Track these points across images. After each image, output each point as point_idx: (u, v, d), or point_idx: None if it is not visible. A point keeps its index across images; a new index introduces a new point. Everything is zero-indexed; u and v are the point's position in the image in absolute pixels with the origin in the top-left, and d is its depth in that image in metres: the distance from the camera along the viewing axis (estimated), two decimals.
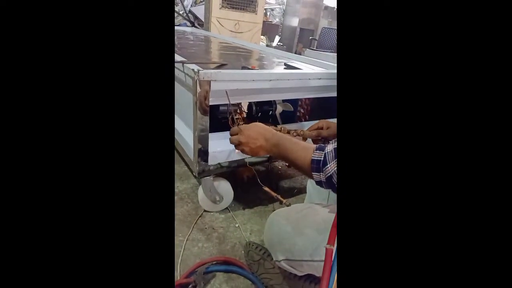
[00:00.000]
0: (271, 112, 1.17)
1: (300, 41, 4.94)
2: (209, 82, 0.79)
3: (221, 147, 0.93)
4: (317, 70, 1.09)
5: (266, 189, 0.75)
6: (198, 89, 0.78)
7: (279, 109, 1.19)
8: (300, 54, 1.82)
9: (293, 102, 1.17)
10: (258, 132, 0.65)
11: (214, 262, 0.81)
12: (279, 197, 0.74)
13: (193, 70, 0.77)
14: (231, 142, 0.68)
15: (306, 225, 0.60)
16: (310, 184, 0.97)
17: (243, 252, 0.86)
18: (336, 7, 4.55)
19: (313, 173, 0.51)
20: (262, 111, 1.14)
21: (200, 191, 0.99)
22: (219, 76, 0.80)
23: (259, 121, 1.15)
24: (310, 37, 4.44)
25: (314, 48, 4.33)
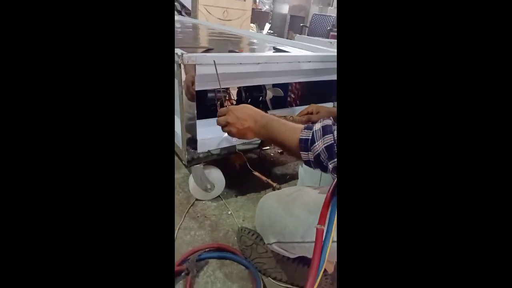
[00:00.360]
0: (261, 98, 1.15)
1: (291, 28, 4.87)
2: (194, 66, 0.76)
3: (210, 134, 0.91)
4: (307, 53, 1.07)
5: (257, 173, 0.74)
6: (183, 74, 0.75)
7: (269, 94, 1.17)
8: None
9: (284, 87, 1.15)
10: (247, 113, 0.63)
11: (206, 249, 0.81)
12: (269, 181, 0.73)
13: (176, 54, 0.74)
14: (219, 123, 0.66)
15: (297, 207, 0.60)
16: (302, 170, 0.96)
17: (235, 238, 0.86)
18: None
19: (301, 152, 0.50)
20: (252, 97, 1.12)
21: (191, 180, 0.98)
22: (205, 59, 0.77)
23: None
24: (301, 24, 4.38)
25: (306, 35, 4.29)
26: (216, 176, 1.01)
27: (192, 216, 0.95)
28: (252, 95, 1.11)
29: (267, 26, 4.52)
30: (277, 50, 1.10)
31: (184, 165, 1.06)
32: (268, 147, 1.23)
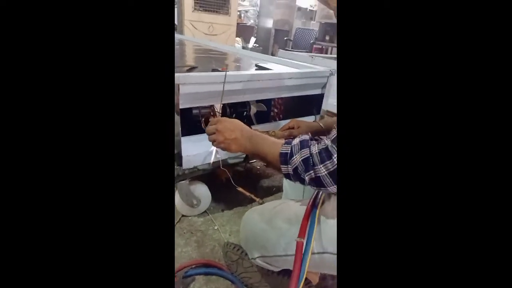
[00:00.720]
0: (245, 112, 1.18)
1: (276, 41, 5.00)
2: (177, 86, 0.79)
3: (195, 150, 0.93)
4: (288, 70, 1.11)
5: (240, 189, 0.76)
6: None
7: (253, 109, 1.20)
8: (274, 55, 1.85)
9: (267, 102, 1.18)
10: (236, 124, 0.66)
11: (193, 266, 0.81)
12: (252, 196, 0.75)
13: None
14: (208, 131, 0.67)
15: (279, 220, 0.62)
16: (286, 182, 0.99)
17: (221, 253, 0.86)
18: (308, 8, 4.65)
19: (281, 165, 0.54)
20: (236, 113, 1.15)
21: (176, 195, 0.99)
22: (188, 79, 0.80)
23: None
24: (285, 38, 4.51)
25: (289, 49, 4.40)
26: (202, 191, 1.02)
27: (178, 233, 0.95)
28: (236, 110, 1.14)
29: (253, 39, 4.63)
30: (259, 67, 1.14)
31: None
32: (254, 161, 1.25)
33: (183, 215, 1.02)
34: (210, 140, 0.68)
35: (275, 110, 1.19)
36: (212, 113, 1.04)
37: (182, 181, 0.94)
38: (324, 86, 1.17)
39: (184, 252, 0.87)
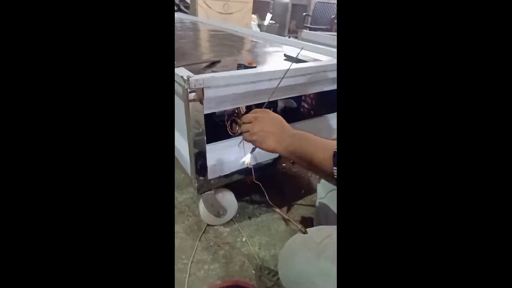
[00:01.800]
0: (271, 109, 1.06)
1: (293, 17, 4.70)
2: (201, 90, 0.68)
3: (221, 159, 0.83)
4: (320, 62, 0.97)
5: (278, 210, 0.66)
6: (191, 100, 0.67)
7: (281, 106, 1.08)
8: (294, 32, 1.68)
9: (296, 97, 1.06)
10: (278, 118, 0.61)
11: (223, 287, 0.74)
12: (292, 221, 0.66)
13: (182, 77, 0.65)
14: (243, 130, 0.63)
15: (325, 259, 0.52)
16: (320, 186, 0.89)
17: (253, 272, 0.79)
18: None
19: (334, 167, 0.48)
20: (239, 111, 1.03)
21: (201, 205, 0.91)
22: (213, 81, 0.68)
23: (239, 121, 1.05)
24: (304, 13, 4.21)
25: (308, 25, 4.12)
26: (228, 199, 0.93)
27: (204, 246, 0.88)
28: (261, 107, 1.02)
29: (269, 16, 4.36)
30: (288, 57, 1.00)
31: None
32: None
33: (208, 225, 0.95)
34: (243, 131, 0.62)
35: (306, 106, 1.07)
36: (237, 114, 0.93)
37: (208, 192, 0.85)
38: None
39: (212, 269, 0.80)
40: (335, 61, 0.94)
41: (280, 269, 0.61)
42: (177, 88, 0.71)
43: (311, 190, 1.16)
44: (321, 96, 1.14)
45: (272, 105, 1.03)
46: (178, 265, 0.81)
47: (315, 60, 0.96)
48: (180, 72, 0.67)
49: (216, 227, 0.95)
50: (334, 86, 0.96)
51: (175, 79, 0.70)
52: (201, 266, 0.81)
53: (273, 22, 4.35)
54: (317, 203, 0.89)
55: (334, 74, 0.92)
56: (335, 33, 2.65)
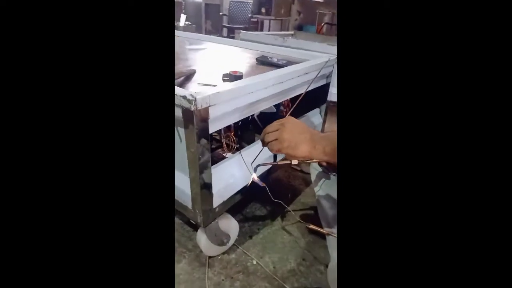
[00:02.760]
0: (250, 116, 1.00)
1: (208, 17, 4.61)
2: (207, 109, 0.58)
3: (223, 181, 0.74)
4: (309, 62, 0.95)
5: (313, 227, 0.62)
6: (195, 121, 0.56)
7: (257, 112, 1.03)
8: (211, 33, 1.62)
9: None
10: (303, 125, 0.60)
11: None
12: (320, 229, 0.63)
13: (184, 97, 0.54)
14: (268, 139, 0.60)
15: None
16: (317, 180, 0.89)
17: None
18: None
19: None
20: (229, 126, 0.96)
21: (202, 237, 0.79)
22: (219, 98, 0.59)
23: (239, 130, 0.98)
24: (221, 13, 4.17)
25: (226, 24, 4.10)
26: (230, 224, 0.84)
27: (216, 282, 0.77)
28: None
29: (183, 17, 4.15)
30: (261, 62, 0.95)
31: (191, 224, 0.85)
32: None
33: (209, 257, 0.84)
34: (268, 140, 0.60)
35: (284, 110, 1.04)
36: (230, 130, 0.85)
37: (212, 223, 0.74)
38: (329, 75, 1.06)
39: None
40: (323, 59, 0.94)
41: (333, 283, 0.57)
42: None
43: (296, 191, 1.15)
44: (296, 98, 1.13)
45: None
46: None
47: (289, 62, 0.93)
48: (180, 92, 0.56)
49: (219, 257, 0.85)
50: (313, 86, 0.96)
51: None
52: None
53: (189, 23, 4.18)
54: (316, 196, 0.89)
55: (314, 75, 0.91)
56: (274, 32, 2.69)
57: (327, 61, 0.94)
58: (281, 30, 3.89)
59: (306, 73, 0.87)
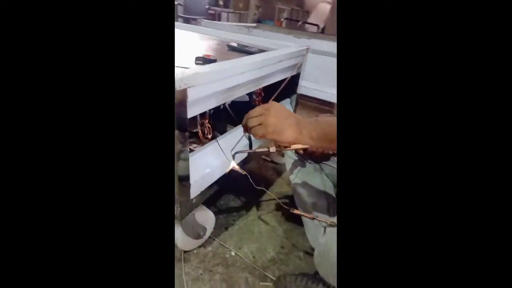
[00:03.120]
0: (222, 105, 0.97)
1: None
2: (185, 91, 0.53)
3: (201, 170, 0.69)
4: (288, 49, 0.93)
5: (297, 212, 0.61)
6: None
7: (228, 101, 0.99)
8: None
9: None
10: (288, 111, 0.58)
11: None
12: (318, 218, 0.63)
13: None
14: (250, 124, 0.57)
15: None
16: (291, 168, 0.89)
17: (277, 286, 0.72)
18: None
19: None
20: (204, 113, 0.92)
21: (177, 232, 0.74)
22: (198, 79, 0.55)
23: (211, 119, 0.94)
24: (176, 3, 3.98)
25: (182, 14, 3.94)
26: (206, 216, 0.80)
27: (194, 277, 0.73)
28: None
29: None
30: (232, 48, 0.92)
31: None
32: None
33: (185, 252, 0.79)
34: (252, 125, 0.57)
35: (256, 99, 1.02)
36: (205, 117, 0.80)
37: (189, 214, 0.70)
38: (300, 66, 1.07)
39: None
40: (297, 48, 0.94)
41: (322, 268, 0.58)
42: None
43: (269, 182, 1.15)
44: (266, 88, 1.12)
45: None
46: None
47: (260, 50, 0.92)
48: None
49: (195, 251, 0.80)
50: (283, 76, 0.96)
51: None
52: None
53: None
54: (292, 184, 0.88)
55: (287, 64, 0.91)
56: (238, 23, 2.63)
57: (300, 50, 0.95)
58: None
59: (281, 61, 0.86)
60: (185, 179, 0.63)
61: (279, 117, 0.56)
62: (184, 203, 0.65)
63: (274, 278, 0.74)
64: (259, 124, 0.57)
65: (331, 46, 1.49)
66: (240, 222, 0.93)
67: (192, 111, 0.59)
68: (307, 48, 1.03)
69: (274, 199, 1.05)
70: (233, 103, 1.02)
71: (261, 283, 0.73)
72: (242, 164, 0.86)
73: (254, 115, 0.58)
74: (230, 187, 1.06)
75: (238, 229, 0.90)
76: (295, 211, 0.62)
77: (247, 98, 0.98)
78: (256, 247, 0.84)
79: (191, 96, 0.55)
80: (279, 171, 1.23)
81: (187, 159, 0.61)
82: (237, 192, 1.05)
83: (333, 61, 1.30)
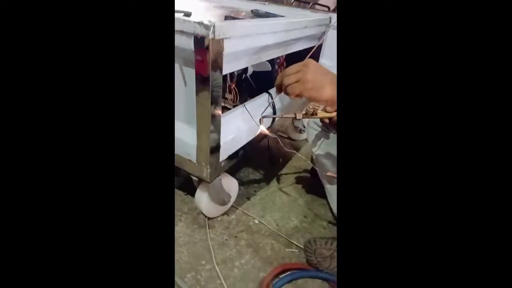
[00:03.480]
0: (244, 75, 0.95)
1: None
2: (222, 42, 0.51)
3: (230, 133, 0.68)
4: (311, 17, 0.91)
5: (330, 173, 0.60)
6: (210, 53, 0.50)
7: (250, 70, 0.97)
8: None
9: (270, 60, 0.97)
10: (325, 69, 0.56)
11: (272, 279, 0.64)
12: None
13: (201, 24, 0.47)
14: (287, 82, 0.54)
15: None
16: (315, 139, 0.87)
17: (306, 251, 0.71)
18: None
19: None
20: (232, 76, 0.90)
21: (202, 197, 0.73)
22: (236, 29, 0.53)
23: (234, 88, 0.92)
24: None
25: None
26: (230, 183, 0.79)
27: (219, 242, 0.73)
28: (233, 72, 0.89)
29: None
30: (258, 13, 0.89)
31: (185, 189, 0.78)
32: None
33: (209, 219, 0.79)
34: (288, 83, 0.54)
35: (277, 69, 1.00)
36: (232, 81, 0.78)
37: (216, 178, 0.69)
38: (322, 37, 1.04)
39: (245, 264, 0.68)
40: (320, 16, 0.91)
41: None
42: (181, 42, 0.51)
43: (287, 157, 1.13)
44: (291, 56, 1.09)
45: (242, 69, 0.91)
46: (203, 273, 0.64)
47: (281, 16, 0.89)
48: (191, 18, 0.49)
49: (219, 218, 0.80)
50: (314, 43, 0.93)
51: (183, 29, 0.50)
52: (231, 265, 0.67)
53: None
54: (314, 156, 0.87)
55: (311, 31, 0.88)
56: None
57: (323, 18, 0.92)
58: None
59: (306, 27, 0.84)
60: (217, 138, 0.61)
61: (317, 73, 0.54)
62: (213, 164, 0.64)
63: (299, 245, 0.73)
64: (297, 81, 0.55)
65: None
66: (262, 193, 0.92)
67: (227, 67, 0.57)
68: (330, 17, 1.00)
69: (294, 172, 1.04)
70: (255, 74, 1.00)
71: (287, 249, 0.73)
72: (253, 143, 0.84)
73: (292, 72, 0.56)
74: (250, 159, 1.05)
75: (259, 199, 0.89)
76: (329, 173, 0.61)
77: (269, 67, 0.96)
78: (279, 216, 0.84)
79: (227, 48, 0.53)
80: (296, 147, 1.22)
81: (220, 117, 0.59)
82: (256, 166, 1.04)
83: None
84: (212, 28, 0.47)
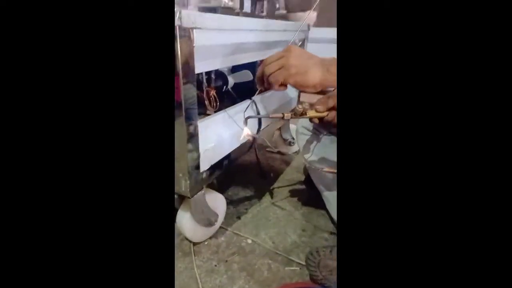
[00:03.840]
0: (224, 87, 0.90)
1: None
2: (192, 32, 0.47)
3: (210, 139, 0.61)
4: (285, 22, 0.89)
5: (328, 169, 0.53)
6: (178, 46, 0.45)
7: (231, 82, 0.93)
8: None
9: (250, 67, 0.93)
10: (309, 53, 0.53)
11: None
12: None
13: None
14: (270, 69, 0.51)
15: None
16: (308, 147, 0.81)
17: (308, 265, 0.62)
18: None
19: None
20: (210, 80, 0.85)
21: (185, 218, 0.64)
22: (206, 20, 0.49)
23: (213, 94, 0.86)
24: None
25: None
26: (215, 199, 0.71)
27: (208, 268, 0.63)
28: (215, 82, 0.84)
29: None
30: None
31: (175, 199, 0.69)
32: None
33: (194, 244, 0.69)
34: (270, 71, 0.50)
35: None
36: (210, 86, 0.73)
37: (198, 193, 0.61)
38: (302, 44, 1.02)
39: None
40: (300, 22, 0.89)
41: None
42: None
43: (278, 171, 1.06)
44: None
45: (221, 78, 0.86)
46: None
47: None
48: None
49: (205, 242, 0.70)
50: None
51: None
52: None
53: None
54: (308, 164, 0.80)
55: (288, 36, 0.86)
56: None
57: (302, 24, 0.91)
58: None
59: (285, 30, 0.82)
60: (195, 142, 0.55)
61: (301, 57, 0.50)
62: (193, 175, 0.56)
63: (300, 262, 0.64)
64: (280, 68, 0.50)
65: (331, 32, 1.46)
66: (253, 210, 0.83)
67: (199, 66, 0.52)
68: (308, 25, 0.99)
69: (287, 185, 0.96)
70: (236, 85, 0.96)
71: (286, 268, 0.63)
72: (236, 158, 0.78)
73: (274, 59, 0.51)
74: (238, 176, 0.97)
75: (252, 217, 0.80)
76: (326, 169, 0.54)
77: (250, 77, 0.91)
78: (275, 232, 0.74)
79: (198, 40, 0.48)
80: (287, 161, 1.15)
81: (196, 118, 0.53)
82: (245, 182, 0.97)
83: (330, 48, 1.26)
84: (178, 15, 0.42)
